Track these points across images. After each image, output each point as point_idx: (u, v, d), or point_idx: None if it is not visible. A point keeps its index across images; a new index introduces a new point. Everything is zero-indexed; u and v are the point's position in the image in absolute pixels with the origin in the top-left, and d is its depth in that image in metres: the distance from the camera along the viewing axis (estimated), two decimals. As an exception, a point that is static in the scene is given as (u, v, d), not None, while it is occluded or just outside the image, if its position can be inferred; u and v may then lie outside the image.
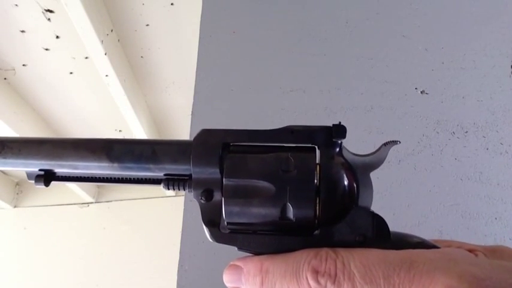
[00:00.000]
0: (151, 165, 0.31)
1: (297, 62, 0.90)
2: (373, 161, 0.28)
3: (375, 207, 0.67)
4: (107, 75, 1.68)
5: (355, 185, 0.27)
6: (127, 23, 1.66)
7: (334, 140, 0.26)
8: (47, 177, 0.33)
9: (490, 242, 0.70)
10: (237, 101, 0.85)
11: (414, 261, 0.23)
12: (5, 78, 1.88)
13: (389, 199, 0.73)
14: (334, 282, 0.23)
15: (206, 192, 0.30)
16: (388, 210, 0.74)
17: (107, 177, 0.32)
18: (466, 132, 0.82)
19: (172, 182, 0.31)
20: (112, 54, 1.63)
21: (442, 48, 0.92)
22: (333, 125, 0.26)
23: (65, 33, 1.63)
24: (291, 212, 0.26)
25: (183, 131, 2.40)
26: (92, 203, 2.81)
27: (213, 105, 0.85)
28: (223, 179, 0.28)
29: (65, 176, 0.33)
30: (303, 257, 0.25)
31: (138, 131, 2.07)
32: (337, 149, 0.26)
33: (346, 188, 0.26)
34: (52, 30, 1.62)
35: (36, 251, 2.67)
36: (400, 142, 0.27)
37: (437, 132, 0.81)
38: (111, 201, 2.82)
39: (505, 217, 0.72)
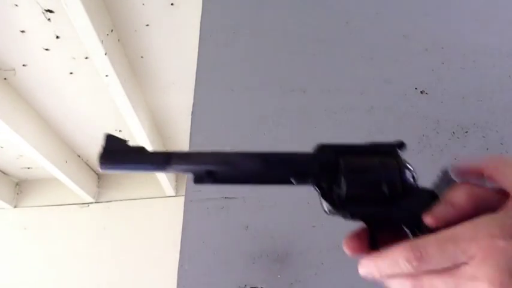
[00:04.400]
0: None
1: (297, 62, 0.90)
2: None
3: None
4: (107, 75, 1.68)
5: (415, 172, 0.42)
6: (127, 23, 1.66)
7: (400, 150, 0.42)
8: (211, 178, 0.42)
9: (490, 242, 0.70)
10: (237, 101, 0.86)
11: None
12: (5, 78, 1.88)
13: (390, 199, 0.73)
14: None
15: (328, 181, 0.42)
16: (388, 210, 0.74)
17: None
18: (466, 132, 0.82)
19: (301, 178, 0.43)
20: (112, 54, 1.63)
21: (442, 48, 0.92)
22: (398, 142, 0.42)
23: (65, 33, 1.63)
24: (386, 188, 0.40)
25: (183, 131, 2.40)
26: (92, 203, 2.81)
27: (213, 105, 0.85)
28: (344, 168, 0.41)
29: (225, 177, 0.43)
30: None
31: (138, 131, 2.07)
32: (402, 156, 0.42)
33: (414, 175, 0.42)
34: (52, 30, 1.62)
35: (36, 251, 2.67)
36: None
37: (437, 132, 0.81)
38: (111, 201, 2.82)
39: (505, 217, 0.72)
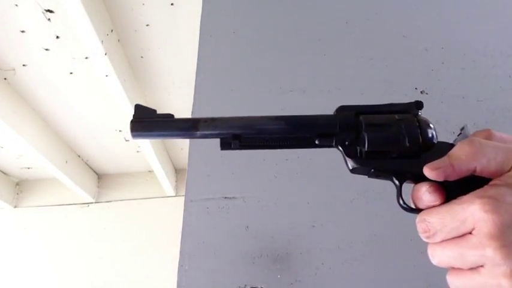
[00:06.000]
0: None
1: (297, 62, 0.90)
2: None
3: (375, 208, 0.66)
4: (107, 76, 1.68)
5: (434, 128, 0.43)
6: (127, 23, 1.66)
7: (417, 109, 0.44)
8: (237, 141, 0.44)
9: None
10: (237, 101, 0.85)
11: None
12: (5, 78, 1.88)
13: (390, 199, 0.73)
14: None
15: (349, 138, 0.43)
16: (387, 211, 0.74)
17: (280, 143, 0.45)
18: (466, 132, 0.82)
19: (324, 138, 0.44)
20: (112, 54, 1.63)
21: (442, 48, 0.92)
22: (416, 101, 0.44)
23: (65, 33, 1.63)
24: (406, 141, 0.41)
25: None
26: (92, 203, 2.81)
27: (213, 105, 0.85)
28: (365, 125, 0.43)
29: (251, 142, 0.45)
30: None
31: (138, 131, 2.07)
32: (419, 112, 0.44)
33: (432, 129, 0.43)
34: (52, 30, 1.62)
35: (36, 251, 2.67)
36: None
37: (437, 132, 0.81)
38: (111, 201, 2.81)
39: (505, 217, 0.72)
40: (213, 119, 0.45)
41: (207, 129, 0.44)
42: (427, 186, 0.39)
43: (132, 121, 0.45)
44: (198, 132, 0.45)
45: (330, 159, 0.77)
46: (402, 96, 0.86)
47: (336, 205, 0.74)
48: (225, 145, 0.45)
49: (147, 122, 0.45)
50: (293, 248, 0.71)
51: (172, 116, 0.46)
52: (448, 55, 0.91)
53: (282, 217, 0.74)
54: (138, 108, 0.46)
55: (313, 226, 0.73)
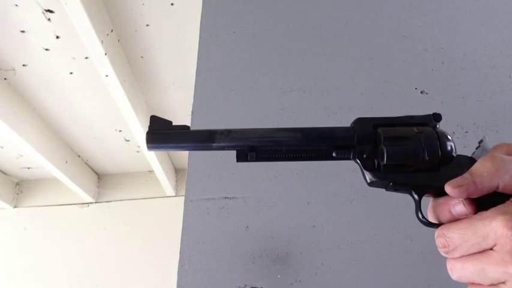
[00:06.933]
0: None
1: (297, 62, 0.90)
2: None
3: (373, 207, 0.67)
4: (107, 76, 1.68)
5: (453, 141, 0.43)
6: (127, 23, 1.66)
7: (435, 121, 0.44)
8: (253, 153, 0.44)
9: (490, 242, 0.70)
10: (237, 101, 0.85)
11: None
12: (5, 78, 1.88)
13: (389, 199, 0.73)
14: None
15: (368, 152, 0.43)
16: (387, 211, 0.74)
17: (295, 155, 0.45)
18: (466, 132, 0.82)
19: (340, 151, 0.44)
20: (112, 54, 1.63)
21: (442, 48, 0.92)
22: (434, 113, 0.44)
23: (65, 33, 1.63)
24: (426, 155, 0.41)
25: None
26: (92, 203, 2.80)
27: (213, 105, 0.85)
28: (383, 138, 0.42)
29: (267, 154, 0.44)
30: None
31: (137, 131, 2.07)
32: (437, 125, 0.44)
33: (451, 142, 0.42)
34: (52, 30, 1.62)
35: (36, 251, 2.67)
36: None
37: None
38: (111, 201, 2.81)
39: (505, 217, 0.72)
40: (229, 131, 0.44)
41: (223, 141, 0.44)
42: (462, 199, 0.38)
43: (148, 132, 0.45)
44: (214, 144, 0.44)
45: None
46: (402, 96, 0.86)
47: (336, 205, 0.74)
48: (241, 157, 0.44)
49: (163, 133, 0.45)
50: (293, 248, 0.71)
51: (188, 127, 0.45)
52: (448, 55, 0.91)
53: (282, 217, 0.74)
54: (154, 119, 0.45)
55: (313, 226, 0.73)
